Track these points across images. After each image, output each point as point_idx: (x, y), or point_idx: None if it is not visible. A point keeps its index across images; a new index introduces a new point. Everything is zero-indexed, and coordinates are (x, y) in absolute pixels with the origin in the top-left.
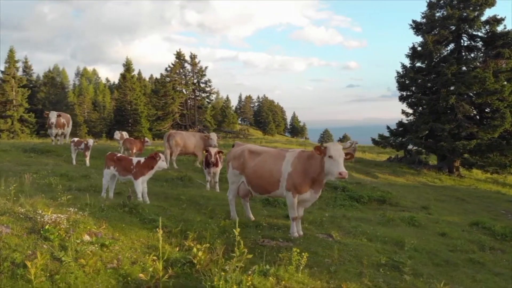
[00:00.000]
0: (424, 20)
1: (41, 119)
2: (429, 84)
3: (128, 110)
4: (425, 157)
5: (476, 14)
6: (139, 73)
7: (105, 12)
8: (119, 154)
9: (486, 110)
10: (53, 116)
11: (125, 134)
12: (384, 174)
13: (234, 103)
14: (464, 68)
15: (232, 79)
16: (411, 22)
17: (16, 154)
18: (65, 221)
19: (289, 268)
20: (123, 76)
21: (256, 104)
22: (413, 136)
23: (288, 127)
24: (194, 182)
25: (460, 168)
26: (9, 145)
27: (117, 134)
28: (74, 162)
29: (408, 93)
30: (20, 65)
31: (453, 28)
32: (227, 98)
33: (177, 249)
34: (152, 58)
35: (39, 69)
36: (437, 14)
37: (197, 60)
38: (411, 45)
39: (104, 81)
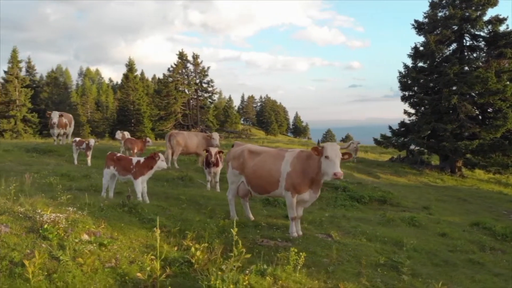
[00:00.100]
0: (426, 20)
1: (44, 119)
2: (431, 84)
3: (131, 110)
4: (427, 157)
5: (478, 14)
6: (142, 73)
7: (108, 12)
8: (118, 154)
9: (489, 110)
10: (55, 116)
11: (126, 134)
12: (386, 174)
13: (236, 103)
14: (466, 68)
15: (234, 79)
16: (413, 22)
17: (18, 154)
18: (64, 220)
19: (286, 268)
20: (125, 76)
21: (259, 104)
22: (415, 136)
23: (291, 127)
24: (194, 182)
25: (462, 168)
26: (11, 145)
27: (118, 134)
28: (75, 162)
29: (410, 93)
30: (23, 65)
31: (455, 28)
32: (230, 98)
33: (176, 248)
34: (155, 58)
35: (42, 69)
36: (439, 14)
37: (199, 60)
38: (413, 45)
39: (107, 81)
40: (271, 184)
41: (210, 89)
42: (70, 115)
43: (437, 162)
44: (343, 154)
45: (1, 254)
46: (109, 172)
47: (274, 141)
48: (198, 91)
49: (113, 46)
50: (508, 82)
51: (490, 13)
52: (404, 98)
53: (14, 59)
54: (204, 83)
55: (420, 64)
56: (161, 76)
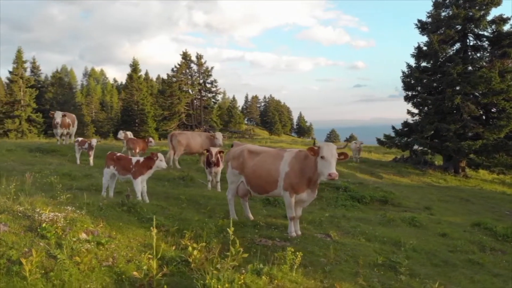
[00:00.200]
0: (429, 20)
1: (49, 119)
2: (434, 84)
3: (135, 110)
4: (431, 158)
5: (482, 14)
6: (146, 74)
7: (113, 13)
8: (118, 154)
9: (492, 110)
10: (58, 116)
11: (129, 134)
12: (389, 175)
13: (240, 103)
14: (470, 68)
15: (238, 79)
16: (416, 22)
17: (21, 154)
18: (62, 219)
19: (283, 267)
20: (129, 77)
21: (263, 104)
22: (418, 136)
23: (295, 127)
24: (196, 182)
25: (466, 169)
26: (14, 144)
27: (120, 134)
28: (78, 161)
29: (414, 93)
30: (28, 65)
31: (459, 27)
32: (234, 98)
33: (173, 248)
34: (160, 59)
35: (47, 70)
36: (443, 14)
37: (203, 60)
38: (416, 45)
39: (111, 81)
40: (270, 184)
41: (213, 89)
42: (73, 115)
43: (441, 162)
44: (339, 154)
45: None
46: (109, 171)
47: (278, 141)
48: (202, 91)
49: (118, 47)
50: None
51: (494, 12)
52: (407, 98)
53: (19, 60)
54: (208, 83)
55: (424, 64)
56: (165, 77)
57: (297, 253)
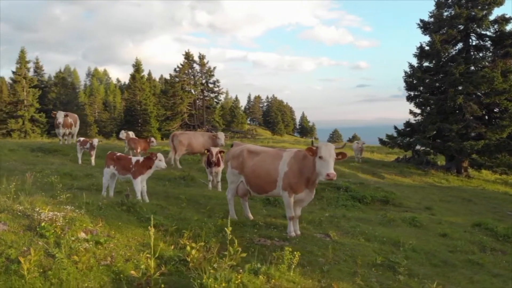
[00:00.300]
0: (432, 20)
1: (52, 119)
2: (437, 84)
3: (138, 110)
4: (433, 158)
5: (484, 13)
6: (149, 74)
7: (116, 13)
8: (118, 154)
9: (495, 110)
10: (60, 116)
11: (131, 134)
12: (391, 175)
13: (243, 103)
14: (472, 67)
15: (241, 79)
16: (419, 22)
17: (23, 154)
18: (62, 218)
19: (280, 267)
20: (132, 77)
21: (265, 104)
22: (420, 136)
23: (297, 127)
24: (196, 182)
25: (469, 169)
26: (17, 144)
27: (122, 134)
28: (79, 161)
29: (416, 93)
30: (31, 65)
31: (461, 27)
32: (236, 98)
33: (172, 247)
34: (163, 59)
35: (50, 70)
36: (445, 14)
37: (205, 61)
38: (418, 45)
39: (114, 81)
40: (269, 184)
41: (216, 89)
42: (76, 115)
43: (443, 162)
44: (337, 154)
45: None
46: (109, 171)
47: (280, 141)
48: (204, 91)
49: (121, 47)
50: None
51: (496, 12)
52: (409, 98)
53: (22, 60)
54: (210, 83)
55: (426, 63)
56: (168, 77)
57: (295, 252)
